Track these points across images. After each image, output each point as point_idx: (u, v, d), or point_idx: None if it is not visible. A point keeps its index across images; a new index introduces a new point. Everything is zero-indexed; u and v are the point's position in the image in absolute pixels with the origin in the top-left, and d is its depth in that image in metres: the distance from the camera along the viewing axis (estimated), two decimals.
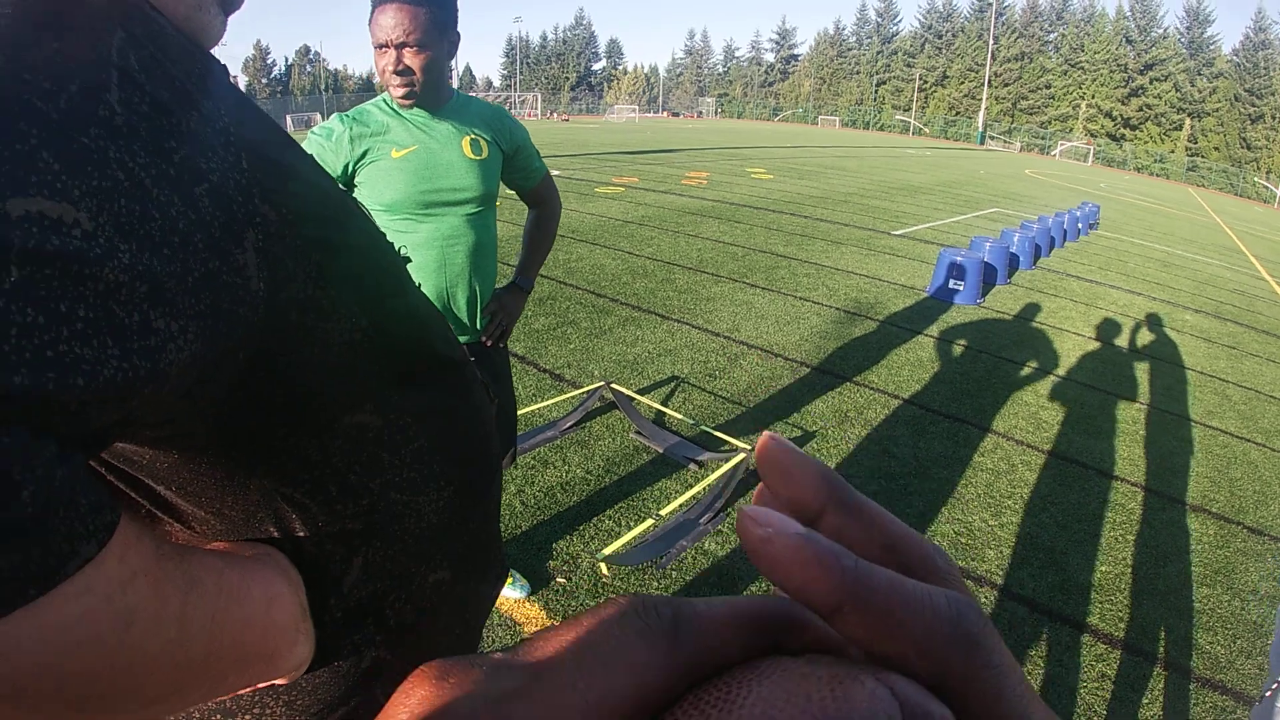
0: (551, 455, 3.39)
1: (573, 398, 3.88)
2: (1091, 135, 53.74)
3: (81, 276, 0.32)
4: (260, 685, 0.55)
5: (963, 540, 2.97)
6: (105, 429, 0.35)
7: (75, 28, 0.36)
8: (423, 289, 1.85)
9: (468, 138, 1.86)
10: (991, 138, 55.56)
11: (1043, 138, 54.58)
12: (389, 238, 1.85)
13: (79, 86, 0.34)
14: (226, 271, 0.41)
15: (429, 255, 1.85)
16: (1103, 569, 2.88)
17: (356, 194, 1.81)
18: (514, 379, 4.19)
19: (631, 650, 0.16)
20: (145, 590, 0.36)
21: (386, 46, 1.71)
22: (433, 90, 1.80)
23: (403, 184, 1.78)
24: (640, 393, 4.07)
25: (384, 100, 1.84)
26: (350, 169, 1.77)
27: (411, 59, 1.72)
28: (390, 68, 1.72)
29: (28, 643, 0.30)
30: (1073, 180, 27.61)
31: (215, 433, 0.48)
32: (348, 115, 1.80)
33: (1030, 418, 4.31)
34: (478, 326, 2.01)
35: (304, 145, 1.79)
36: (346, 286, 0.54)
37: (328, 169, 1.73)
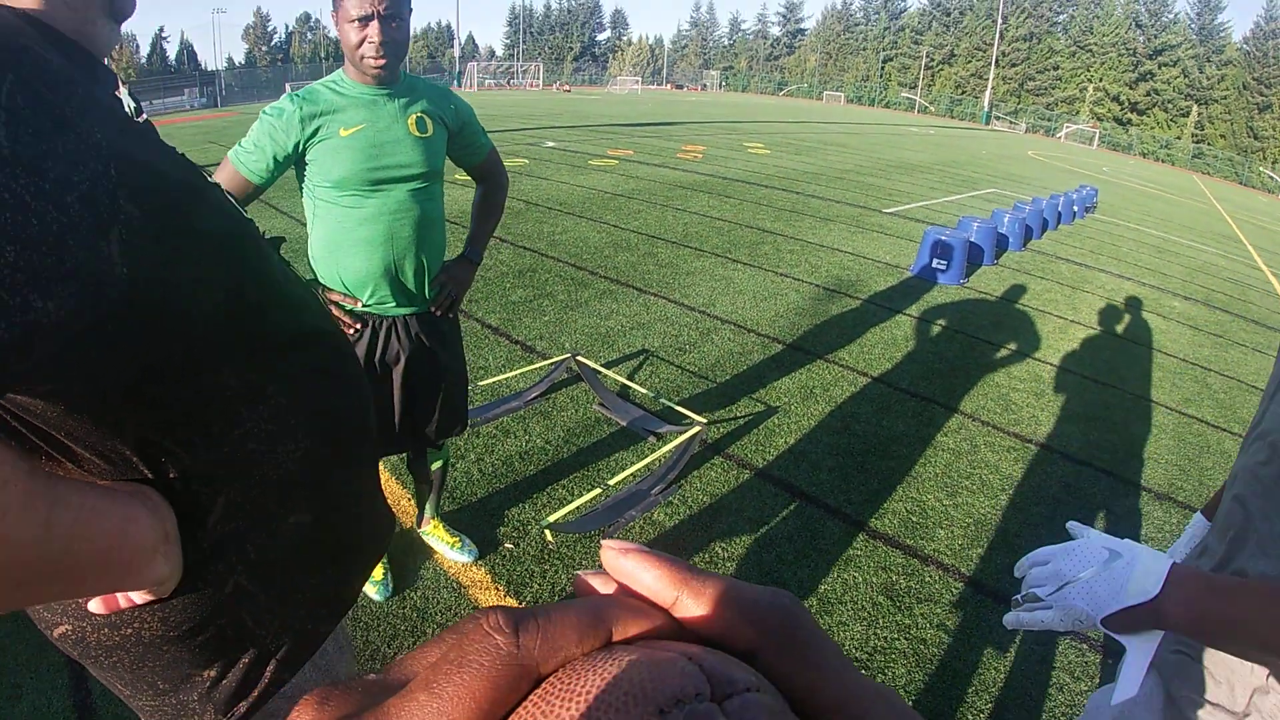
0: (513, 425, 3.38)
1: (539, 369, 3.86)
2: (1098, 119, 53.14)
3: None
4: (137, 601, 0.68)
5: (914, 519, 2.96)
6: None
7: None
8: (372, 260, 1.92)
9: (414, 116, 1.90)
10: (997, 118, 54.88)
11: (1049, 119, 53.84)
12: (338, 212, 1.94)
13: None
14: (94, 261, 0.52)
15: (377, 229, 1.90)
16: None
17: (307, 170, 1.87)
18: (485, 350, 4.18)
19: (481, 655, 0.19)
20: (14, 494, 0.48)
21: (369, 18, 1.73)
22: (399, 64, 1.84)
23: (350, 161, 1.83)
24: (608, 365, 4.05)
25: (334, 80, 1.88)
26: (301, 147, 1.82)
27: (393, 31, 1.77)
28: (374, 38, 1.75)
29: None
30: (1075, 163, 27.36)
31: (90, 390, 0.59)
32: (297, 95, 1.84)
33: (999, 399, 4.29)
34: (427, 296, 2.07)
35: (257, 124, 1.82)
36: (204, 267, 0.65)
37: (279, 147, 1.80)
